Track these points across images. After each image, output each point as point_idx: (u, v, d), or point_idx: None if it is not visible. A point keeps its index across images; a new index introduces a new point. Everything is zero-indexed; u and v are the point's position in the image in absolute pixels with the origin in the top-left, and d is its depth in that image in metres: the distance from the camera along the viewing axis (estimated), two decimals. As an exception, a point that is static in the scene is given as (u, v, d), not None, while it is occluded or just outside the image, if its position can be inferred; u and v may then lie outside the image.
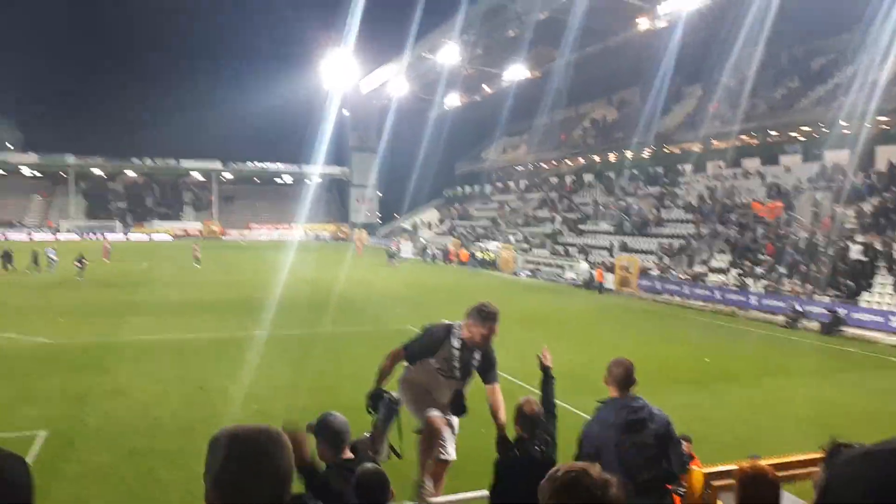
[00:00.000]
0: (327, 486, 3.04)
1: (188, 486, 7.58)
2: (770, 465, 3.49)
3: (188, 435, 9.68)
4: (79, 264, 30.94)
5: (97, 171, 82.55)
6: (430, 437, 4.82)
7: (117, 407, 10.95)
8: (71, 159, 77.75)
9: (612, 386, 4.29)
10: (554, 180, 59.90)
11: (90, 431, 9.78)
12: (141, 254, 47.81)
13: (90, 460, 8.68)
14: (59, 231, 69.75)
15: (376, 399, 4.63)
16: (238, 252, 49.16)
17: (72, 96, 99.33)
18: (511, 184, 67.09)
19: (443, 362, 4.85)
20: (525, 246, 46.80)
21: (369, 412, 4.55)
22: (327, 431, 3.46)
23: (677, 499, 4.61)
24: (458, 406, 4.92)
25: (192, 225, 79.42)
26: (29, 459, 8.21)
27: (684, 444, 6.62)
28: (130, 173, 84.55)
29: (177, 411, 10.78)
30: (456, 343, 4.84)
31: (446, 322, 4.92)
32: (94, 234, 69.22)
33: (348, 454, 3.52)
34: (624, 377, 4.24)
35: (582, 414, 7.40)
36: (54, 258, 34.80)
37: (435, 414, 4.86)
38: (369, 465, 3.13)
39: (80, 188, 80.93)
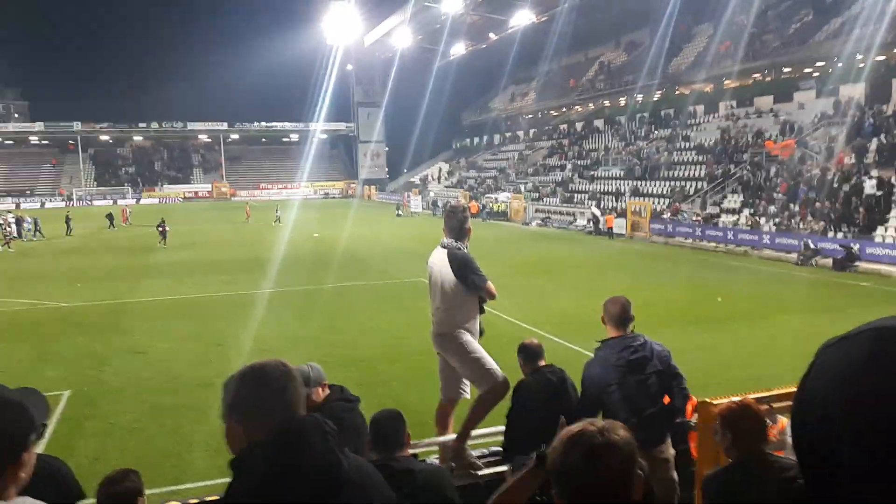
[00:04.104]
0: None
1: (209, 440, 7.77)
2: (768, 396, 3.52)
3: (207, 390, 9.86)
4: (161, 231, 30.71)
5: (104, 138, 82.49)
6: (498, 399, 4.63)
7: (137, 366, 11.17)
8: (77, 126, 77.65)
9: (609, 325, 4.19)
10: (563, 127, 59.11)
11: (112, 390, 10.01)
12: (155, 216, 48.06)
13: (113, 417, 8.91)
14: (71, 199, 69.96)
15: None
16: (252, 212, 49.13)
17: (76, 64, 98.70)
18: (520, 133, 66.25)
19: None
20: (535, 195, 46.53)
21: None
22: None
23: (693, 434, 4.64)
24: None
25: (202, 187, 79.45)
26: (54, 419, 8.45)
27: None
28: (138, 138, 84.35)
29: (195, 368, 10.99)
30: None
31: (452, 243, 4.74)
32: (106, 198, 69.25)
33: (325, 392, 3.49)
34: (620, 314, 4.12)
35: (591, 356, 7.44)
36: (29, 227, 35.34)
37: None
38: (387, 408, 3.16)
39: (89, 155, 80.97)
